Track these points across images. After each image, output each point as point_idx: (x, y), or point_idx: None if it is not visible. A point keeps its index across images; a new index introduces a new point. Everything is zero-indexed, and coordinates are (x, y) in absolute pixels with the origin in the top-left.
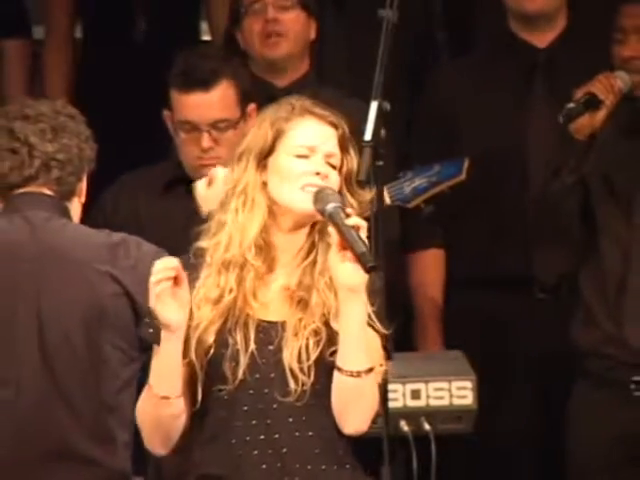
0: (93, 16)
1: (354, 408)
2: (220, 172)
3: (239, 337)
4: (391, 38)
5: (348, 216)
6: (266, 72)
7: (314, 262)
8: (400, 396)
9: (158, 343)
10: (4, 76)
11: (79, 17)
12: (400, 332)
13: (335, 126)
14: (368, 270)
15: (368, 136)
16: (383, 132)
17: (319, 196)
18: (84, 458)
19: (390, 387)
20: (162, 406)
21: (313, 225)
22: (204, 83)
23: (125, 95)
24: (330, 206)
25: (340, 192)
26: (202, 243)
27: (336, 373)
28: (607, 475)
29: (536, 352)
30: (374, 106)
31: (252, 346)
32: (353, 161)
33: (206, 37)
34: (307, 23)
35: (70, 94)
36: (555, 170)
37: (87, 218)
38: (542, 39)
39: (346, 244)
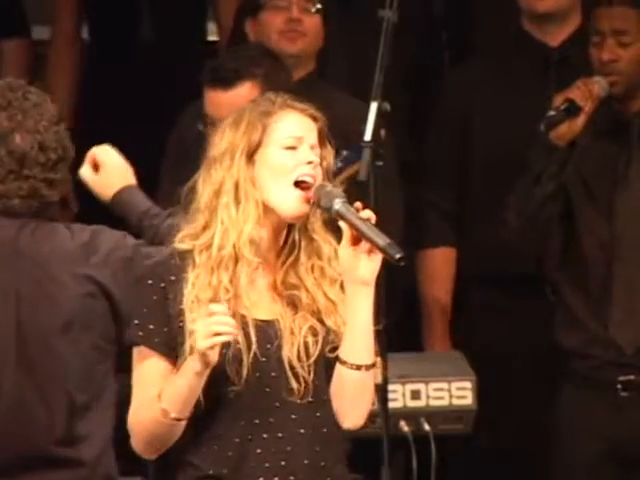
0: (99, 17)
1: (356, 402)
2: (102, 153)
3: (240, 337)
4: (391, 38)
5: (358, 210)
6: None
7: (297, 261)
8: (400, 396)
9: (147, 345)
10: (3, 77)
11: (85, 18)
12: (407, 331)
13: (315, 119)
14: (398, 260)
15: (368, 136)
16: (383, 132)
17: (322, 192)
18: (63, 459)
19: (390, 387)
20: (171, 426)
21: (291, 224)
22: (225, 82)
23: (132, 96)
24: (338, 203)
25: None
26: (184, 245)
27: (341, 367)
28: (595, 475)
29: (545, 351)
30: (374, 106)
31: (254, 345)
32: (330, 155)
33: (213, 37)
34: (322, 30)
35: (76, 95)
36: (536, 177)
37: None
38: (555, 38)
39: (364, 238)
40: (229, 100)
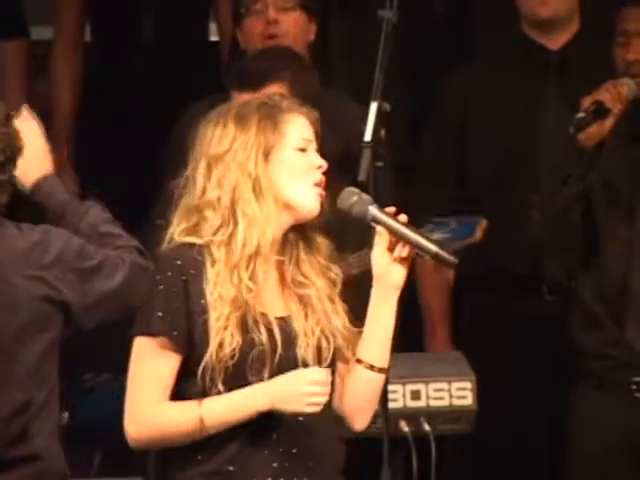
0: (102, 18)
1: (371, 404)
2: (26, 131)
3: (264, 337)
4: (391, 39)
5: (394, 215)
6: None
7: (297, 257)
8: (400, 397)
9: (166, 337)
10: (3, 77)
11: (88, 19)
12: (409, 333)
13: (314, 123)
14: (454, 265)
15: (368, 137)
16: (383, 133)
17: (353, 200)
18: (18, 459)
19: (390, 388)
20: (196, 437)
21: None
22: (253, 84)
23: (134, 97)
24: (373, 209)
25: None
26: (196, 240)
27: (361, 370)
28: (608, 475)
29: (545, 351)
30: (374, 107)
31: (279, 346)
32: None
33: (214, 38)
34: (307, 25)
35: (79, 97)
36: (563, 179)
37: None
38: (555, 41)
39: (410, 245)
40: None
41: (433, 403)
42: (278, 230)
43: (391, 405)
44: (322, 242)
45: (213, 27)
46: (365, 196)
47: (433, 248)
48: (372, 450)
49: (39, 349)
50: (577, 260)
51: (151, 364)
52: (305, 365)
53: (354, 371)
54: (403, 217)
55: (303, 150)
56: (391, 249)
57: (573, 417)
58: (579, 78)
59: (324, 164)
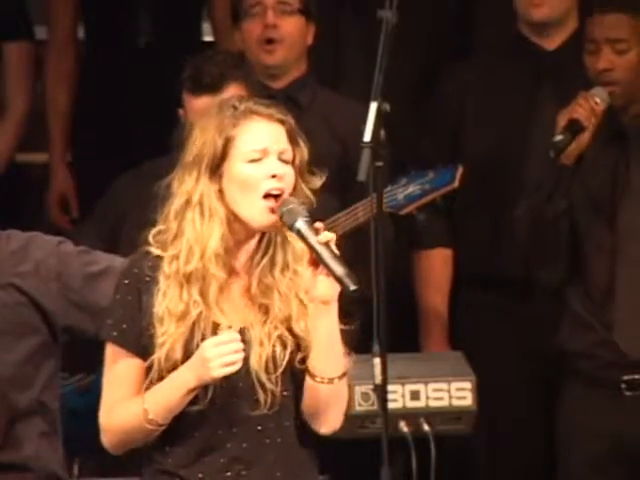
0: (96, 17)
1: (330, 411)
2: None
3: None
4: (390, 39)
5: (317, 231)
6: (262, 75)
7: (272, 260)
8: (399, 397)
9: (120, 345)
10: (6, 78)
11: (82, 18)
12: (404, 333)
13: (282, 122)
14: (352, 292)
15: (367, 137)
16: (382, 133)
17: (286, 209)
18: (4, 464)
19: (390, 388)
20: (152, 431)
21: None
22: (212, 87)
23: (128, 96)
24: (299, 223)
25: (295, 187)
26: (157, 251)
27: (310, 381)
28: (598, 474)
29: (538, 352)
30: (373, 107)
31: None
32: (303, 151)
33: (208, 38)
34: (305, 28)
35: (73, 95)
36: (548, 196)
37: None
38: (551, 42)
39: (321, 263)
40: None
41: (433, 403)
42: (233, 238)
43: (391, 405)
44: (295, 242)
45: (207, 27)
46: (300, 209)
47: (339, 271)
48: (372, 450)
49: (18, 356)
50: (564, 269)
51: (110, 370)
52: (258, 378)
53: (308, 384)
54: (327, 235)
55: (257, 160)
56: (313, 264)
57: (564, 417)
58: (574, 79)
59: (279, 172)
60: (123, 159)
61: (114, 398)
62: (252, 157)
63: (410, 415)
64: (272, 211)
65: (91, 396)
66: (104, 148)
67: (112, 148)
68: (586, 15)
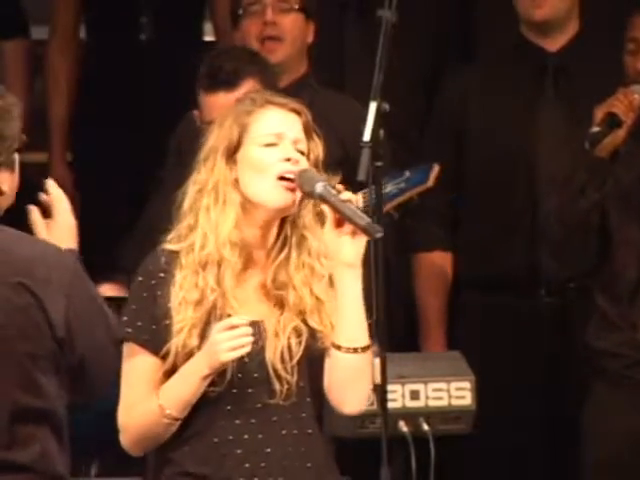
0: (97, 17)
1: (355, 386)
2: (58, 203)
3: None
4: (390, 39)
5: (339, 192)
6: None
7: (288, 258)
8: (399, 397)
9: (136, 343)
10: (4, 77)
11: (83, 18)
12: (404, 334)
13: (298, 112)
14: (376, 239)
15: (367, 137)
16: (382, 133)
17: (304, 178)
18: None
19: (389, 387)
20: (168, 425)
21: (283, 220)
22: (228, 83)
23: (129, 95)
24: (319, 186)
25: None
26: (172, 246)
27: (336, 353)
28: (623, 473)
29: (542, 353)
30: (373, 107)
31: None
32: (319, 147)
33: (209, 38)
34: (305, 26)
35: (73, 95)
36: (581, 188)
37: None
38: (553, 43)
39: (345, 219)
40: (234, 101)
41: (432, 403)
42: (252, 228)
43: (390, 405)
44: (315, 237)
45: (208, 27)
46: (317, 174)
47: (361, 222)
48: (371, 450)
49: (21, 358)
50: (591, 264)
51: (128, 369)
52: (274, 368)
53: (335, 357)
54: (348, 194)
55: (272, 145)
56: (338, 226)
57: (590, 416)
58: (577, 80)
59: (293, 156)
60: (123, 159)
61: (132, 397)
62: (267, 141)
63: (410, 415)
64: (287, 190)
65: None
66: (104, 148)
67: (112, 147)
68: (587, 18)
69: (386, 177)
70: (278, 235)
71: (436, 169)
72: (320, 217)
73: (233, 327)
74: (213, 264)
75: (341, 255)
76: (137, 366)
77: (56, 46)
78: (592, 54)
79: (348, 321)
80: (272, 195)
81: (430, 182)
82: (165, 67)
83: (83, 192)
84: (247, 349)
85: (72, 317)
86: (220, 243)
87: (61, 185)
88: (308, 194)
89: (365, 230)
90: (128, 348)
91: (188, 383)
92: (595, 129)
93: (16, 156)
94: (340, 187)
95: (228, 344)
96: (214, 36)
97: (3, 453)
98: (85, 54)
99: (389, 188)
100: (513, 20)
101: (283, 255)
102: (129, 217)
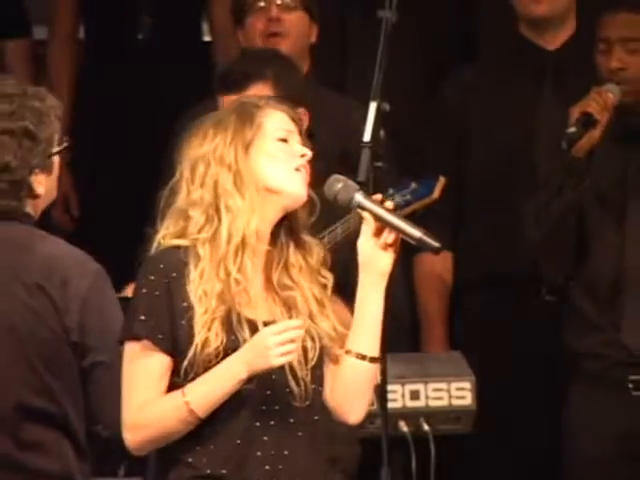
0: (96, 17)
1: (363, 395)
2: None
3: (248, 337)
4: (390, 39)
5: (381, 202)
6: None
7: (286, 262)
8: (399, 397)
9: (152, 341)
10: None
11: (82, 18)
12: (406, 334)
13: (295, 121)
14: (437, 251)
15: (367, 137)
16: (382, 133)
17: (338, 187)
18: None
19: (389, 387)
20: (189, 424)
21: (278, 224)
22: (236, 86)
23: (128, 96)
24: (359, 196)
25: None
26: (182, 242)
27: (352, 360)
28: (606, 474)
29: (542, 352)
30: (373, 107)
31: None
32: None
33: (207, 38)
34: (309, 25)
35: (73, 95)
36: (558, 189)
37: None
38: (552, 42)
39: (395, 231)
40: None
41: (432, 403)
42: (265, 222)
43: (390, 405)
44: (313, 244)
45: (206, 27)
46: (351, 183)
47: (417, 233)
48: (371, 450)
49: (29, 356)
50: (571, 265)
51: (139, 368)
52: (291, 369)
53: (344, 363)
54: (389, 204)
55: (284, 140)
56: (377, 235)
57: (570, 417)
58: (576, 79)
59: (308, 153)
60: (123, 158)
61: (143, 395)
62: (281, 135)
63: (410, 415)
64: (306, 183)
65: None
66: (104, 148)
67: (112, 148)
68: (583, 16)
69: (392, 189)
70: (274, 240)
71: (442, 181)
72: (311, 227)
73: (286, 330)
74: (237, 253)
75: (376, 264)
76: (149, 364)
77: (56, 46)
78: (590, 52)
79: (364, 329)
80: (292, 184)
81: (436, 194)
82: (164, 67)
83: (82, 192)
84: (295, 355)
85: (87, 322)
86: (249, 230)
87: (62, 185)
88: (344, 202)
89: (421, 241)
90: (138, 346)
91: (221, 385)
92: (571, 129)
93: (55, 159)
94: (379, 196)
95: (281, 349)
96: (210, 37)
97: (14, 455)
98: (85, 54)
99: (396, 199)
100: (513, 20)
101: (282, 259)
102: (129, 217)
